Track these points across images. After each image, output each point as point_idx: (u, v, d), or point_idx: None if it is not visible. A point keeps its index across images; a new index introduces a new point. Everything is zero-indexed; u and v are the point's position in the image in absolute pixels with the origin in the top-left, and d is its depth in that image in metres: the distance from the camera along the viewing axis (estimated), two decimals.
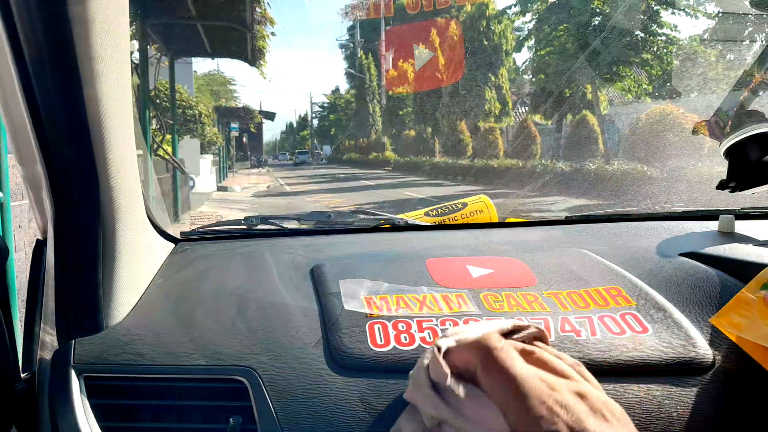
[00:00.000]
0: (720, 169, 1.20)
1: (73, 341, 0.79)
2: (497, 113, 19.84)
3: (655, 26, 14.24)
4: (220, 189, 17.19)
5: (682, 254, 1.06)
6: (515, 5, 16.87)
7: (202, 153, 15.96)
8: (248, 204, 13.25)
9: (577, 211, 9.19)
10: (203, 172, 15.91)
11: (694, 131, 1.27)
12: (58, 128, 0.61)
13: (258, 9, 8.12)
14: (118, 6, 0.58)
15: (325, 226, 1.32)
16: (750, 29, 12.47)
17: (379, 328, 0.84)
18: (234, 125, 23.68)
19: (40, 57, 0.54)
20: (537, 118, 18.01)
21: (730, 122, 1.24)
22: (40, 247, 0.92)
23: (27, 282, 0.92)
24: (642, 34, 14.42)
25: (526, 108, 20.97)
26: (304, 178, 24.61)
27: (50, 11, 0.51)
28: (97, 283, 0.79)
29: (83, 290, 0.79)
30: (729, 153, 1.19)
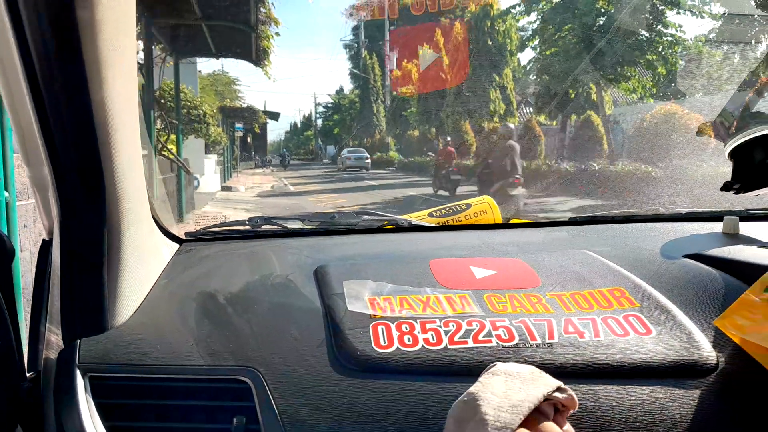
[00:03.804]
0: (724, 169, 1.20)
1: (79, 341, 0.80)
2: (502, 113, 19.82)
3: (660, 26, 14.19)
4: (225, 189, 17.22)
5: (686, 256, 1.06)
6: (519, 5, 16.84)
7: (206, 153, 15.97)
8: (252, 204, 13.27)
9: (580, 211, 9.16)
10: (207, 172, 15.93)
11: (699, 132, 1.27)
12: (65, 131, 0.61)
13: (262, 9, 8.13)
14: (125, 10, 0.59)
15: (329, 226, 1.33)
16: (755, 30, 12.41)
17: (382, 329, 0.84)
18: (239, 125, 23.73)
19: (47, 60, 0.54)
20: (541, 118, 17.97)
21: (735, 123, 1.24)
22: (46, 248, 0.93)
23: (32, 281, 0.93)
24: (647, 35, 14.37)
25: (531, 108, 20.94)
26: (307, 178, 24.62)
27: (58, 15, 0.52)
28: (103, 284, 0.80)
29: (89, 291, 0.80)
30: (734, 154, 1.19)
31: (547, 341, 0.82)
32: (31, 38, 0.52)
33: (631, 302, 0.92)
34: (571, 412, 0.66)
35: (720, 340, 0.84)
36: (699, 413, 0.75)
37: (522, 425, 0.57)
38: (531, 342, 0.82)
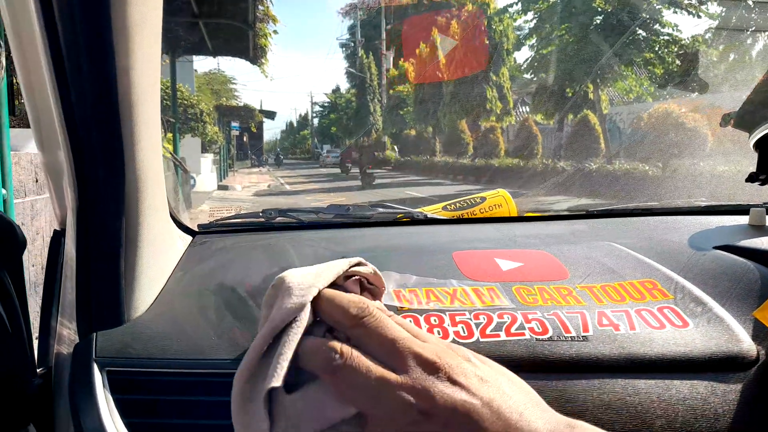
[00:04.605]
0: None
1: (95, 334, 0.76)
2: (498, 112, 19.80)
3: (657, 25, 14.21)
4: (221, 188, 17.16)
5: (716, 247, 1.03)
6: (516, 3, 16.82)
7: (202, 152, 15.93)
8: (249, 203, 13.22)
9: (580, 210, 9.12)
10: (204, 171, 15.88)
11: (723, 122, 1.24)
12: (86, 107, 0.58)
13: (260, 7, 8.09)
14: None
15: (344, 219, 1.30)
16: (752, 28, 12.44)
17: (410, 321, 0.81)
18: (235, 124, 23.69)
19: (73, 30, 0.51)
20: (538, 117, 17.95)
21: (760, 113, 1.21)
22: (58, 238, 0.89)
23: (33, 276, 0.89)
24: (644, 33, 14.39)
25: (528, 107, 20.94)
26: (304, 177, 24.57)
27: None
28: (120, 275, 0.76)
29: (105, 282, 0.76)
30: (759, 145, 1.16)
31: (582, 334, 0.79)
32: (56, 4, 0.49)
33: (664, 294, 0.89)
34: (384, 291, 0.67)
35: (759, 332, 0.81)
36: (742, 407, 0.72)
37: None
38: (566, 335, 0.79)
